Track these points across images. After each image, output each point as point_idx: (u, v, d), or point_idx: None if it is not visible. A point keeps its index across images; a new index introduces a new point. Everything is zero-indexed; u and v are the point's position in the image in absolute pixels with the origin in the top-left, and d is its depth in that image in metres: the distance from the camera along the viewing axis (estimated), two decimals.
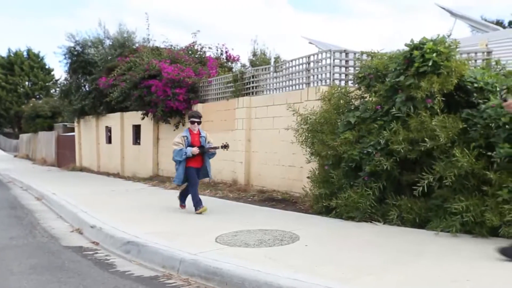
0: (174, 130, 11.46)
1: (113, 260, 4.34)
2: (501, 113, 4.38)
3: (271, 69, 9.21)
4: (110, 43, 15.07)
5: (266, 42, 23.76)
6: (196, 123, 6.21)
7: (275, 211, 6.34)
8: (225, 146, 6.34)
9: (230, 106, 9.59)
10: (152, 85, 11.02)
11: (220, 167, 9.64)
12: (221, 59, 13.04)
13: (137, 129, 13.24)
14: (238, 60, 13.16)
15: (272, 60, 12.50)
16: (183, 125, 11.31)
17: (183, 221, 5.60)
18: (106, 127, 14.90)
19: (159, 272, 3.88)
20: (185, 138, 6.11)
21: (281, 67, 8.95)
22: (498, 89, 4.82)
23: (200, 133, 6.25)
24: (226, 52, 13.20)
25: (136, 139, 13.37)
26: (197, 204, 6.03)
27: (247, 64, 13.01)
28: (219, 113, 10.10)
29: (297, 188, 7.02)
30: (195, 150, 6.00)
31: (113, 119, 14.27)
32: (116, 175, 13.49)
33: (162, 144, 12.31)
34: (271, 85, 9.02)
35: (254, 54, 13.25)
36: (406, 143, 4.90)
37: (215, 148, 6.16)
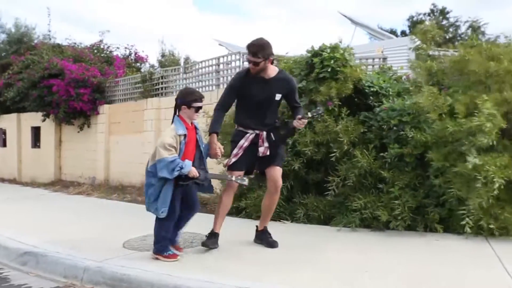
0: (78, 132, 10.89)
1: (7, 273, 4.00)
2: (392, 116, 4.77)
3: (181, 70, 9.13)
4: (6, 38, 13.90)
5: (174, 43, 23.60)
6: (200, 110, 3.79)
7: None
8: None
9: (139, 107, 9.33)
10: (53, 84, 10.36)
11: (128, 169, 9.35)
12: (129, 59, 12.64)
13: (36, 131, 12.34)
14: (146, 60, 12.85)
15: (182, 61, 12.41)
16: (89, 126, 10.80)
17: (88, 228, 5.33)
18: (0, 129, 13.71)
19: (60, 283, 3.65)
20: (182, 138, 3.61)
21: (190, 68, 8.91)
22: (390, 92, 5.24)
23: (195, 127, 3.83)
24: (135, 52, 12.83)
25: (36, 142, 12.46)
26: (163, 247, 3.78)
27: (156, 64, 12.78)
28: (127, 115, 9.78)
29: None
30: (195, 172, 3.59)
31: (8, 121, 13.16)
32: (13, 181, 12.46)
33: (65, 147, 11.62)
34: (181, 86, 8.94)
35: (163, 55, 13.04)
36: (313, 146, 5.13)
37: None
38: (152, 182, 3.60)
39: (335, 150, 4.97)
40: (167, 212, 3.62)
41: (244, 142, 4.01)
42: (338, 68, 5.18)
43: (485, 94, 4.46)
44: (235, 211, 5.72)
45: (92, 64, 10.90)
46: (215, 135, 3.94)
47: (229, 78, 7.62)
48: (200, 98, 3.76)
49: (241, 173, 4.04)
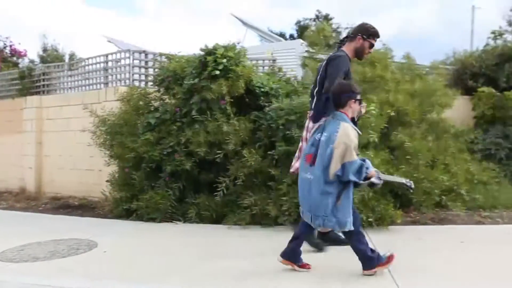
0: None
1: None
2: (280, 115, 4.99)
3: (66, 66, 8.57)
4: None
5: (57, 38, 21.95)
6: None
7: (71, 219, 5.90)
8: None
9: (17, 106, 8.55)
10: None
11: (4, 173, 8.55)
12: (5, 53, 11.52)
13: None
14: (25, 55, 11.78)
15: (67, 57, 11.63)
16: None
17: None
18: None
19: None
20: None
21: (76, 65, 8.41)
22: (280, 93, 5.45)
23: None
24: (11, 45, 11.71)
25: None
26: (377, 258, 3.19)
27: (37, 60, 11.79)
28: (3, 114, 8.92)
29: (96, 193, 6.68)
30: (374, 172, 3.15)
31: None
32: None
33: None
34: (66, 84, 8.40)
35: (45, 50, 12.08)
36: (205, 146, 5.13)
37: None
38: (329, 190, 3.02)
39: (219, 152, 5.03)
40: (351, 225, 3.06)
41: None
42: (231, 67, 5.25)
43: (366, 96, 4.88)
44: (125, 214, 5.54)
45: None
46: None
47: (118, 77, 7.35)
48: (356, 90, 3.29)
49: None
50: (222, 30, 39.06)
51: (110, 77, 7.53)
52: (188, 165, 5.13)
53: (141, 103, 6.01)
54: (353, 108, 3.23)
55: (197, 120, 5.29)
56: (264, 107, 5.33)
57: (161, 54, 6.84)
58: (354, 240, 3.16)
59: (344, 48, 3.80)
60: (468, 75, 8.64)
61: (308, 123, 3.71)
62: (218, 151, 5.06)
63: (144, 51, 7.44)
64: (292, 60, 8.25)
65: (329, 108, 3.30)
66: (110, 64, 7.55)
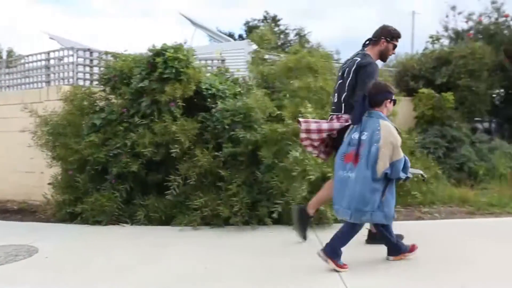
0: None
1: None
2: (225, 116, 5.00)
3: (3, 64, 8.16)
4: None
5: None
6: None
7: (9, 224, 5.60)
8: None
9: None
10: None
11: None
12: None
13: None
14: None
15: (4, 54, 11.09)
16: None
17: None
18: None
19: None
20: None
21: (15, 63, 8.04)
22: (227, 94, 5.45)
23: None
24: None
25: None
26: (404, 246, 3.57)
27: None
28: None
29: (38, 196, 6.40)
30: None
31: None
32: None
33: None
34: (3, 82, 8.01)
35: None
36: (152, 146, 5.05)
37: None
38: (377, 186, 3.14)
39: (176, 146, 4.95)
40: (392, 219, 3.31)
41: None
42: (182, 69, 5.20)
43: (307, 100, 4.98)
44: (69, 217, 5.35)
45: None
46: None
47: (61, 75, 7.09)
48: (391, 90, 3.46)
49: None
50: (170, 29, 38.56)
51: (52, 75, 7.26)
52: (134, 167, 5.03)
53: (85, 103, 5.81)
54: (388, 108, 3.39)
55: (143, 123, 5.20)
56: (211, 108, 5.32)
57: (106, 53, 6.66)
58: (349, 232, 3.31)
59: (368, 51, 3.89)
60: (409, 76, 9.09)
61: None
62: (170, 151, 4.98)
63: (89, 49, 7.22)
64: (241, 60, 8.28)
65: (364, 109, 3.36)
66: (52, 62, 7.28)
